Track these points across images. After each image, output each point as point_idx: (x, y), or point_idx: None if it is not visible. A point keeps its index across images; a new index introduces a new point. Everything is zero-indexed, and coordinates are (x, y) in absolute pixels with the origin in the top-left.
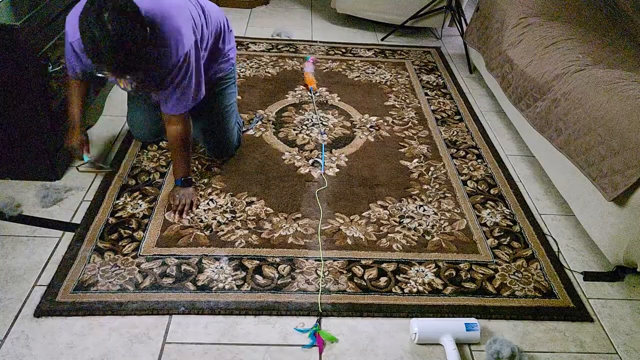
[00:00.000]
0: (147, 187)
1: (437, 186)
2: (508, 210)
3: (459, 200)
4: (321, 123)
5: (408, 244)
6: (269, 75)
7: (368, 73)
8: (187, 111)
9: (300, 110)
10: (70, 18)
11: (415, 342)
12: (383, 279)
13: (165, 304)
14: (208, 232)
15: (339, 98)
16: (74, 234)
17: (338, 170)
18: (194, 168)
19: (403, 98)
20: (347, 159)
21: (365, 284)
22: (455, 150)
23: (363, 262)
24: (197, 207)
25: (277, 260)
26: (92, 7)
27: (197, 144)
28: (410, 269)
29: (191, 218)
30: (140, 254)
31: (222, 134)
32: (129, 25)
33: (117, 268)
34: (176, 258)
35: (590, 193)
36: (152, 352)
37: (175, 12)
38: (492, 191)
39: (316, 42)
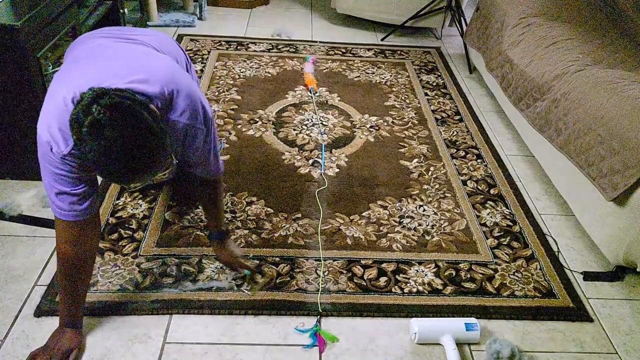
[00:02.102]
0: (147, 188)
1: (437, 186)
2: (508, 210)
3: (458, 200)
4: (321, 123)
5: (408, 244)
6: (269, 75)
7: (368, 73)
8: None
9: (300, 110)
10: (51, 126)
11: (415, 342)
12: (383, 279)
13: (165, 303)
14: (208, 232)
15: (339, 98)
16: None
17: (338, 170)
18: None
19: (403, 98)
20: (347, 159)
21: (365, 283)
22: (455, 150)
23: (363, 262)
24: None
25: (277, 260)
26: (84, 129)
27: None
28: (410, 269)
29: (191, 218)
30: (140, 254)
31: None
32: (134, 122)
33: (117, 268)
34: (176, 258)
35: (590, 193)
36: (152, 352)
37: (180, 75)
38: (492, 191)
39: (316, 42)
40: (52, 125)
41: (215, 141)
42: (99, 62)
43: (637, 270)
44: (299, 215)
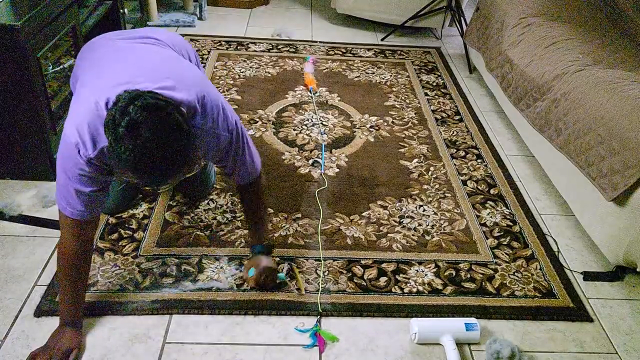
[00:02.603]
0: (147, 188)
1: (437, 186)
2: (508, 210)
3: (458, 200)
4: (321, 123)
5: (408, 244)
6: (269, 75)
7: (368, 73)
8: (261, 169)
9: (300, 110)
10: (81, 128)
11: (415, 342)
12: (383, 279)
13: (165, 303)
14: (208, 232)
15: (339, 98)
16: None
17: (338, 170)
18: None
19: (403, 98)
20: (347, 159)
21: (365, 283)
22: (455, 150)
23: (363, 262)
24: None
25: (277, 260)
26: (120, 129)
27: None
28: (410, 269)
29: (191, 218)
30: (140, 254)
31: (200, 177)
32: (166, 119)
33: (117, 268)
34: (176, 258)
35: (590, 193)
36: (152, 352)
37: (205, 83)
38: (492, 191)
39: (316, 42)
40: (83, 128)
41: (245, 146)
42: (129, 65)
43: (637, 270)
44: (299, 215)
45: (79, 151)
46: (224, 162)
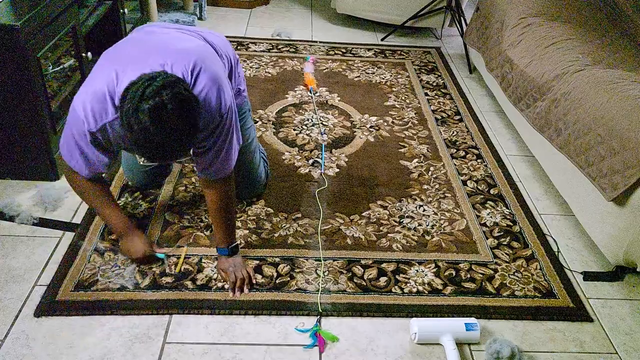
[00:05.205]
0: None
1: (437, 186)
2: (508, 210)
3: (458, 200)
4: (321, 123)
5: (408, 244)
6: (269, 75)
7: (368, 73)
8: (232, 169)
9: (300, 110)
10: (85, 106)
11: (415, 342)
12: (383, 279)
13: (165, 303)
14: (208, 232)
15: (339, 98)
16: (74, 233)
17: (338, 170)
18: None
19: (403, 98)
20: (347, 159)
21: (365, 283)
22: (455, 150)
23: (363, 262)
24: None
25: (277, 260)
26: (145, 104)
27: None
28: (410, 269)
29: (191, 218)
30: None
31: (248, 173)
32: (191, 115)
33: (117, 268)
34: (176, 258)
35: (590, 193)
36: (152, 352)
37: (211, 60)
38: (492, 191)
39: (316, 42)
40: (87, 107)
41: (229, 143)
42: (150, 45)
43: (637, 270)
44: (299, 215)
45: (82, 122)
46: (204, 147)
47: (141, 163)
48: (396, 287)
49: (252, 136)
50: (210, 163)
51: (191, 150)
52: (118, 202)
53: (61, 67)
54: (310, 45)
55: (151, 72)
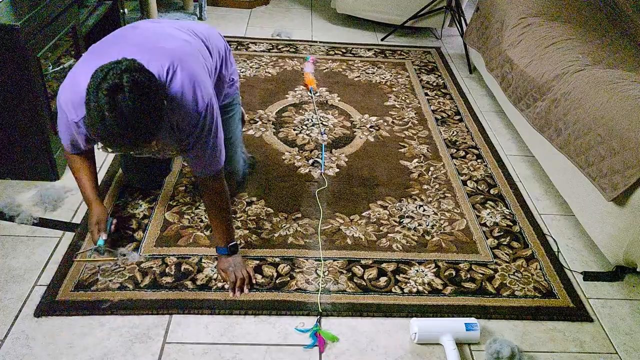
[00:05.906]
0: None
1: (437, 186)
2: (508, 210)
3: (458, 200)
4: (321, 123)
5: (408, 244)
6: (269, 75)
7: (368, 73)
8: (222, 167)
9: (300, 110)
10: (65, 97)
11: (415, 342)
12: (383, 279)
13: (165, 303)
14: (208, 232)
15: (339, 98)
16: (74, 234)
17: (338, 170)
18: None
19: (403, 98)
20: (347, 159)
21: (365, 283)
22: (455, 150)
23: (363, 262)
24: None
25: (277, 260)
26: (104, 84)
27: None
28: (410, 269)
29: (191, 218)
30: (140, 253)
31: (227, 168)
32: (147, 104)
33: (117, 267)
34: (176, 258)
35: (590, 193)
36: (152, 352)
37: (189, 59)
38: (492, 191)
39: (316, 42)
40: (67, 102)
41: (213, 139)
42: (118, 47)
43: (637, 270)
44: (299, 215)
45: (66, 113)
46: (187, 144)
47: (108, 152)
48: (396, 287)
49: (238, 130)
50: (197, 161)
51: (159, 145)
52: (118, 202)
53: (61, 67)
54: (310, 45)
55: (121, 58)
